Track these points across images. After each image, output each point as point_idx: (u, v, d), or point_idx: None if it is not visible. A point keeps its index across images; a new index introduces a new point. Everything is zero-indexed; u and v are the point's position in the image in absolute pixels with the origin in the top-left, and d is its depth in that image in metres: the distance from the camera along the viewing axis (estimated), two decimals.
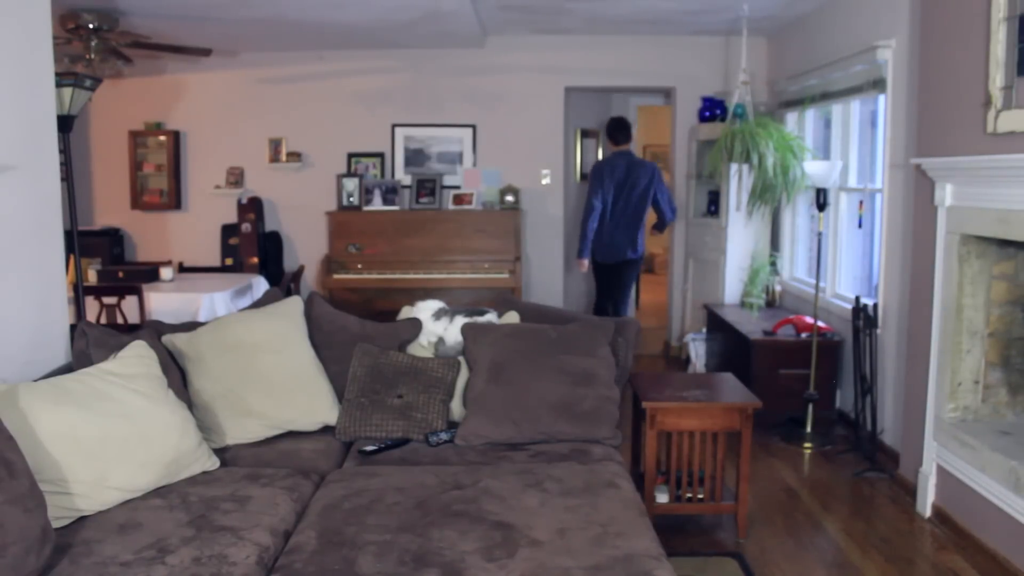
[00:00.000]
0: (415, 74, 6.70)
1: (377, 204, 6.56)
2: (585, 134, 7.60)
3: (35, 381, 2.45)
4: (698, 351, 5.95)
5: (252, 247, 6.64)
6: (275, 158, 6.84)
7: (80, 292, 3.76)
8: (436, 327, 3.29)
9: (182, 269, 6.47)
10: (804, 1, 5.29)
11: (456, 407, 3.14)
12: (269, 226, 6.90)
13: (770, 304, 5.83)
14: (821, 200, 4.57)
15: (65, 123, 3.45)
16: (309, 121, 6.80)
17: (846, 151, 5.07)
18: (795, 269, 5.93)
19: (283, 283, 6.21)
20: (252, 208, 6.69)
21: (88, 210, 6.88)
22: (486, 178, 6.67)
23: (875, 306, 4.39)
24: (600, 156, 7.71)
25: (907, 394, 3.91)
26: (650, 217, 5.90)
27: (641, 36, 6.47)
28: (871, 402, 4.28)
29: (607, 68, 6.63)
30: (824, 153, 5.44)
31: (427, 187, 6.67)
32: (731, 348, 5.25)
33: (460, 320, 3.29)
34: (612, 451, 2.93)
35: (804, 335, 4.81)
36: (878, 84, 4.42)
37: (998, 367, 3.36)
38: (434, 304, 3.40)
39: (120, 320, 4.66)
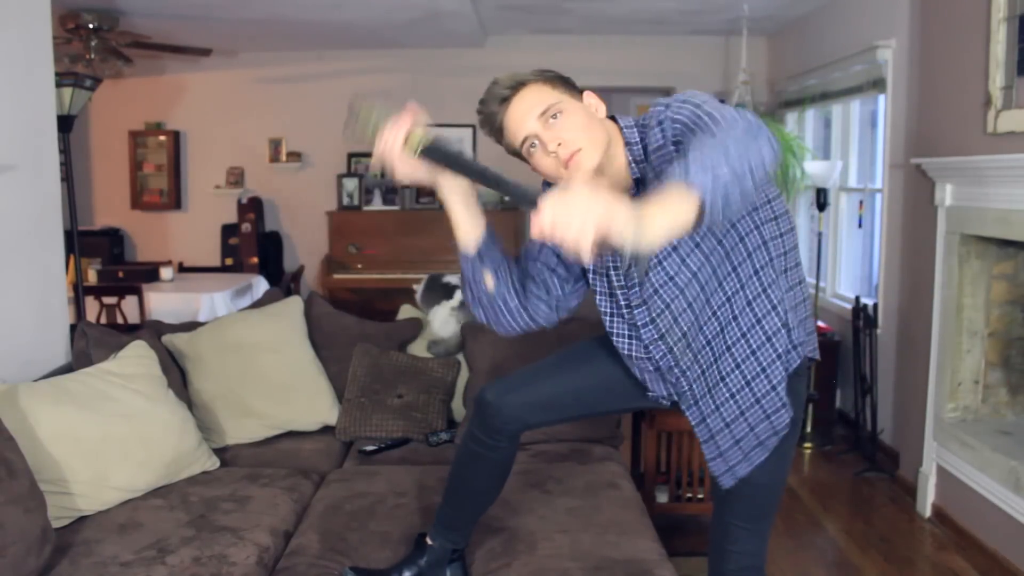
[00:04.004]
0: (415, 74, 6.69)
1: (377, 204, 6.56)
2: None
3: (35, 381, 2.45)
4: None
5: (252, 247, 6.64)
6: (275, 158, 6.83)
7: (80, 292, 3.76)
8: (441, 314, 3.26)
9: (182, 269, 6.47)
10: (804, 1, 5.29)
11: (456, 407, 3.14)
12: (269, 226, 6.90)
13: None
14: (821, 200, 4.57)
15: (65, 123, 3.45)
16: (309, 121, 6.79)
17: (846, 151, 5.07)
18: None
19: (283, 283, 6.21)
20: (252, 208, 6.69)
21: (88, 210, 6.88)
22: None
23: (875, 306, 4.39)
24: None
25: (907, 394, 3.91)
26: None
27: (640, 36, 6.47)
28: (871, 402, 4.28)
29: (607, 68, 6.63)
30: (824, 153, 5.43)
31: (427, 187, 6.65)
32: None
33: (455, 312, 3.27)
34: (612, 451, 2.93)
35: None
36: (878, 84, 4.42)
37: (998, 367, 3.36)
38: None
39: (120, 320, 4.66)
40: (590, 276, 1.79)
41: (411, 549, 2.07)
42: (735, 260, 1.63)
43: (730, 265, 1.63)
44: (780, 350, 1.67)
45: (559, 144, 1.56)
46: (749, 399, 1.71)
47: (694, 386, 1.75)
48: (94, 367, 2.54)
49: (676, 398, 1.81)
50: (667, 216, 1.23)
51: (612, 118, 1.67)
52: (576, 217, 1.19)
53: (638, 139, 1.62)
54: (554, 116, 1.57)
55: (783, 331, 1.67)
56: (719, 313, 1.66)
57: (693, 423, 1.79)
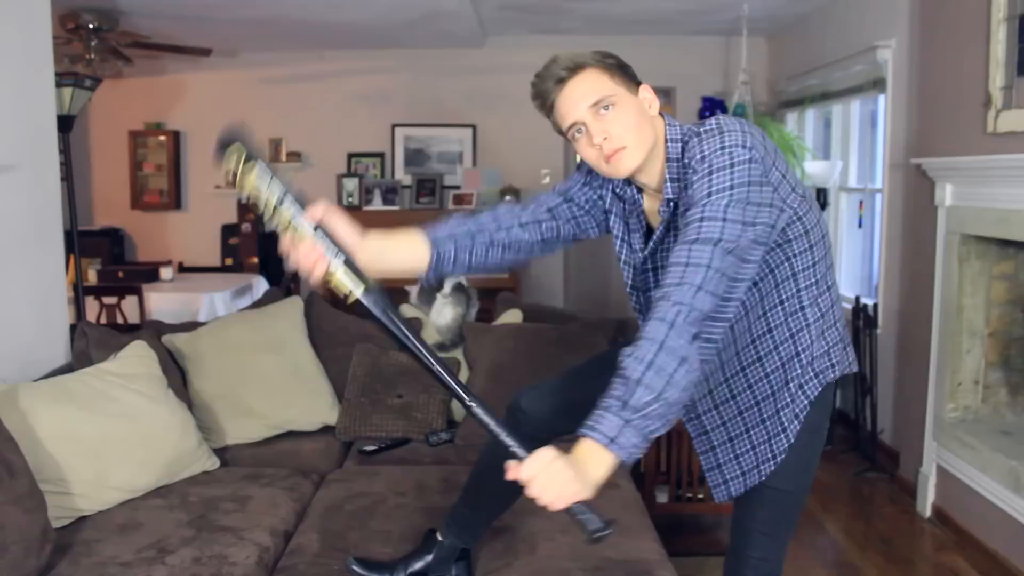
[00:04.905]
0: (415, 74, 6.69)
1: (377, 204, 6.56)
2: None
3: (35, 381, 2.45)
4: None
5: (252, 247, 6.64)
6: (275, 158, 6.83)
7: (80, 292, 3.76)
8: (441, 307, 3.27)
9: (182, 269, 6.47)
10: (804, 1, 5.29)
11: (456, 407, 3.14)
12: (269, 226, 6.89)
13: None
14: (821, 200, 4.57)
15: (65, 123, 3.45)
16: (309, 121, 6.79)
17: (846, 151, 5.07)
18: None
19: (283, 283, 6.21)
20: (252, 208, 6.68)
21: (88, 210, 6.87)
22: (486, 178, 6.67)
23: (875, 306, 4.39)
24: None
25: (907, 394, 3.91)
26: None
27: (641, 36, 6.46)
28: (871, 402, 4.28)
29: None
30: (824, 153, 5.43)
31: (427, 187, 6.66)
32: None
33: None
34: None
35: None
36: (878, 84, 4.42)
37: (998, 367, 3.36)
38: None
39: (120, 320, 4.66)
40: (616, 242, 1.76)
41: (419, 543, 2.07)
42: (763, 288, 1.61)
43: (758, 294, 1.61)
44: (791, 375, 1.66)
45: (605, 138, 1.55)
46: (755, 419, 1.70)
47: (699, 403, 1.74)
48: (94, 367, 2.54)
49: None
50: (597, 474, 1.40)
51: (662, 115, 1.65)
52: (555, 490, 1.42)
53: (679, 154, 1.59)
54: (606, 107, 1.56)
55: (795, 360, 1.65)
56: (738, 340, 1.65)
57: (693, 435, 1.78)
